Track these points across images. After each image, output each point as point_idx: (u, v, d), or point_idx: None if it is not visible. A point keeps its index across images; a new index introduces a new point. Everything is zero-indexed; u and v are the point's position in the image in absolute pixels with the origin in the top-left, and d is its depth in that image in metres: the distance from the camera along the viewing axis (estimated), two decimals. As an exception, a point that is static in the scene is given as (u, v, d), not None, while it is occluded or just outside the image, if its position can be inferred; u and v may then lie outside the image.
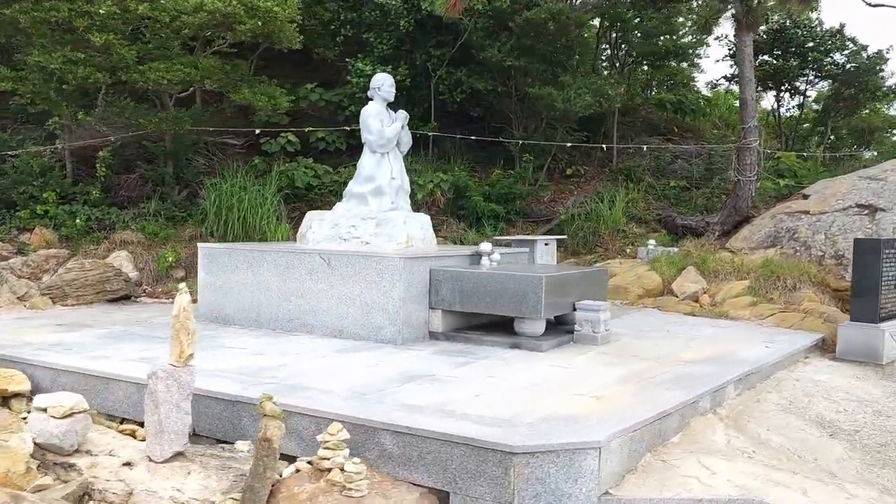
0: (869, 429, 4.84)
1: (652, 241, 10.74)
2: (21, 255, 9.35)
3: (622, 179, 13.44)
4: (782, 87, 16.00)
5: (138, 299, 9.06)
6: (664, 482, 3.72)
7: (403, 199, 7.48)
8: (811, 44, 14.91)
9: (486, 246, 6.97)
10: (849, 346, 6.60)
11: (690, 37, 16.30)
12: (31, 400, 4.61)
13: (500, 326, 6.48)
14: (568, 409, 4.16)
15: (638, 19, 15.04)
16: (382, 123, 7.25)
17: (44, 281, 8.80)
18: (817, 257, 9.20)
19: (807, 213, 10.01)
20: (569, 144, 13.03)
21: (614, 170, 13.98)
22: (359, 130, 7.43)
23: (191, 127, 10.73)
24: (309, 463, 3.72)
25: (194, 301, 7.63)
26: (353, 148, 11.75)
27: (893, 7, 13.07)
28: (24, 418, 4.42)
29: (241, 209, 10.14)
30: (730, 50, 15.42)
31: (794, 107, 16.97)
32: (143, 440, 4.05)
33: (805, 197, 10.61)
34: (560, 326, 6.58)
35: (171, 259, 9.54)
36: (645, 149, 13.85)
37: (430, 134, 12.91)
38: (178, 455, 3.84)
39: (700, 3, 14.41)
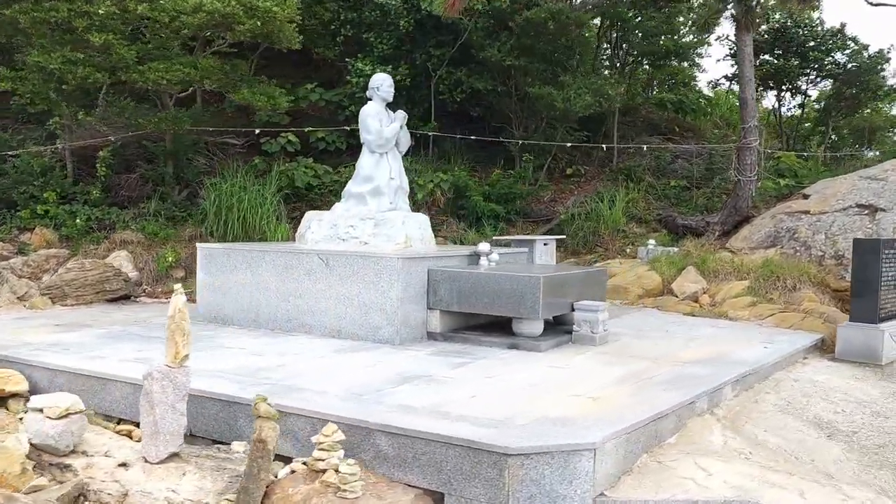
0: (867, 430, 4.83)
1: (652, 241, 10.72)
2: (21, 254, 9.37)
3: (622, 179, 13.42)
4: (783, 87, 15.97)
5: (138, 299, 9.07)
6: (660, 483, 3.71)
7: (402, 199, 7.47)
8: (812, 43, 14.88)
9: (484, 246, 6.97)
10: (848, 346, 6.58)
11: (691, 36, 16.29)
12: (28, 400, 4.61)
13: (498, 327, 6.48)
14: (564, 410, 4.15)
15: (638, 19, 15.02)
16: (381, 123, 7.25)
17: (44, 281, 8.81)
18: (817, 257, 9.18)
19: (807, 213, 9.99)
20: (569, 144, 13.02)
21: (614, 169, 13.97)
22: (359, 130, 7.43)
23: (191, 127, 10.73)
24: (304, 464, 3.72)
25: (193, 301, 7.65)
26: (354, 148, 11.74)
27: (895, 6, 13.04)
28: (22, 419, 4.43)
29: (240, 209, 10.14)
30: (730, 49, 15.41)
31: (795, 106, 16.96)
32: (140, 441, 4.05)
33: (805, 197, 10.59)
34: (559, 327, 6.57)
35: (170, 259, 9.55)
36: (645, 148, 13.84)
37: (430, 134, 12.90)
38: (174, 456, 3.84)
39: (700, 2, 14.38)
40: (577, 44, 13.45)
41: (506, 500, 3.48)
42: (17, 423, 4.45)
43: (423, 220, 7.43)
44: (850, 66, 14.93)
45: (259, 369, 5.15)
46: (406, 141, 7.52)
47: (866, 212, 9.50)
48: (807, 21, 14.97)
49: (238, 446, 4.11)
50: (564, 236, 11.47)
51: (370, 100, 7.39)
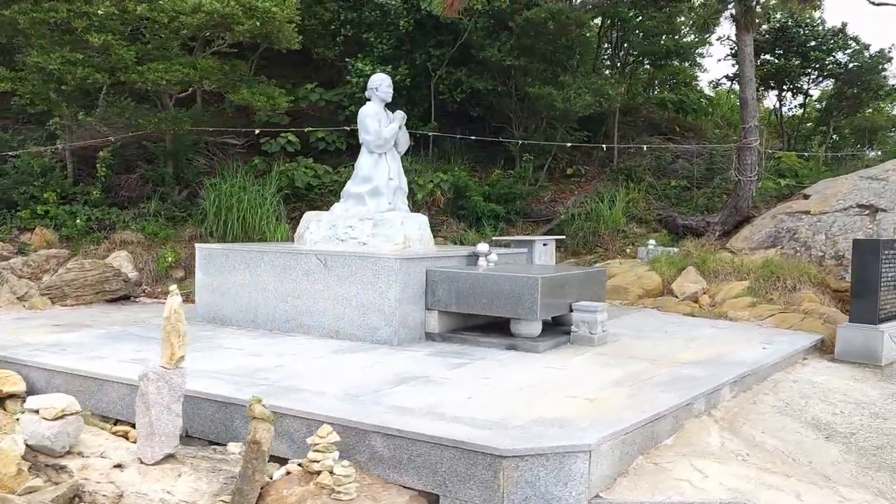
0: (865, 431, 4.81)
1: (652, 242, 10.70)
2: (22, 255, 9.38)
3: (623, 179, 13.40)
4: (784, 87, 15.94)
5: (137, 299, 9.07)
6: (656, 485, 3.70)
7: (401, 199, 7.47)
8: (813, 43, 14.84)
9: (482, 247, 6.96)
10: (847, 347, 6.57)
11: (692, 36, 16.26)
12: (26, 401, 4.62)
13: (496, 327, 6.47)
14: (560, 412, 4.14)
15: (639, 18, 15.00)
16: (380, 124, 7.24)
17: (44, 281, 8.82)
18: (818, 258, 9.16)
19: (807, 213, 9.97)
20: (569, 144, 13.00)
21: (615, 169, 13.95)
22: (358, 130, 7.43)
23: (191, 127, 10.74)
24: (299, 465, 3.71)
25: (191, 301, 7.65)
26: (354, 148, 11.73)
27: (896, 6, 13.01)
28: (18, 419, 4.42)
29: (240, 209, 10.14)
30: (731, 49, 15.37)
31: (796, 106, 16.93)
32: (136, 442, 4.04)
33: (806, 197, 10.57)
34: (558, 327, 6.56)
35: (170, 259, 9.56)
36: (645, 148, 13.82)
37: (430, 134, 12.90)
38: (169, 457, 3.84)
39: (700, 2, 14.36)
40: (577, 44, 13.44)
41: (500, 501, 3.47)
42: (14, 424, 4.45)
43: (421, 220, 7.42)
44: (851, 65, 14.90)
45: (257, 370, 5.15)
46: (405, 141, 7.52)
47: (867, 212, 9.48)
48: (808, 21, 14.94)
49: (234, 447, 4.11)
50: (564, 236, 11.46)
51: (369, 100, 7.39)
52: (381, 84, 7.33)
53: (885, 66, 14.89)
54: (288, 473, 3.72)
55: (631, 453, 3.93)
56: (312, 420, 3.98)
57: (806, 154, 14.54)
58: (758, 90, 14.08)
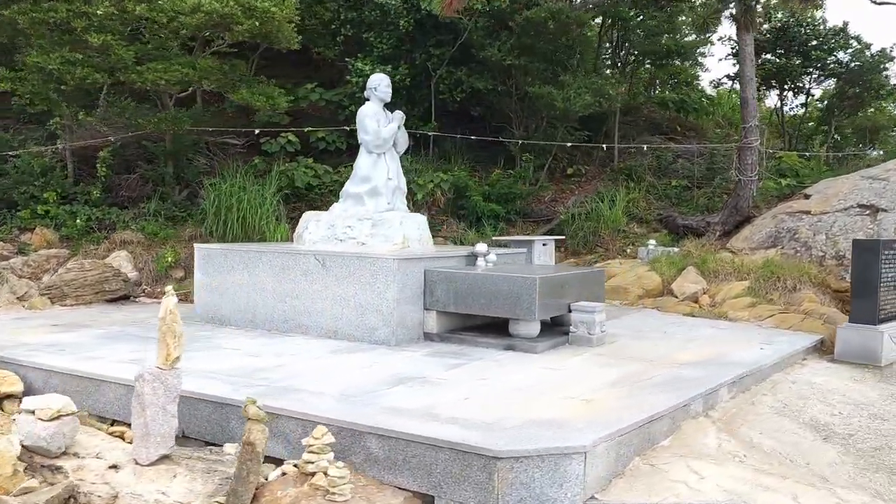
0: (864, 432, 4.80)
1: (652, 241, 10.68)
2: (22, 255, 9.39)
3: (623, 179, 13.38)
4: (786, 86, 15.91)
5: (137, 299, 9.08)
6: (651, 487, 3.69)
7: (400, 199, 7.46)
8: (814, 42, 14.80)
9: (481, 247, 6.95)
10: (847, 347, 6.54)
11: (693, 36, 16.23)
12: (22, 401, 4.62)
13: (495, 328, 6.46)
14: (556, 413, 4.13)
15: (640, 18, 14.97)
16: (379, 124, 7.24)
17: (44, 281, 8.83)
18: (818, 258, 9.14)
19: (808, 213, 9.95)
20: (569, 144, 12.98)
21: (615, 169, 13.92)
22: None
23: (191, 127, 10.74)
24: (295, 466, 3.71)
25: (191, 301, 7.65)
26: (354, 148, 11.68)
27: (898, 5, 12.97)
28: (15, 420, 4.43)
29: (240, 209, 10.13)
30: (732, 49, 15.34)
31: (797, 105, 16.88)
32: (132, 442, 4.04)
33: (807, 197, 10.55)
34: (556, 328, 6.55)
35: (170, 259, 9.56)
36: (646, 148, 13.79)
37: (430, 134, 12.88)
38: (165, 458, 3.84)
39: (701, 2, 14.33)
40: (577, 43, 13.42)
41: (495, 503, 3.46)
42: (10, 424, 4.45)
43: (420, 220, 7.42)
44: (852, 65, 14.86)
45: (255, 370, 5.15)
46: (404, 141, 7.51)
47: (868, 212, 9.45)
48: (809, 20, 14.90)
49: (230, 448, 4.10)
50: (564, 236, 11.44)
51: (368, 100, 7.38)
52: (379, 84, 7.33)
53: (887, 65, 14.86)
54: (283, 474, 3.72)
55: (627, 454, 3.92)
56: (308, 421, 3.97)
57: (807, 154, 14.51)
58: (759, 89, 14.06)
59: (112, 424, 4.71)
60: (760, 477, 3.89)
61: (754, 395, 5.32)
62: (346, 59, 12.74)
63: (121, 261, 9.38)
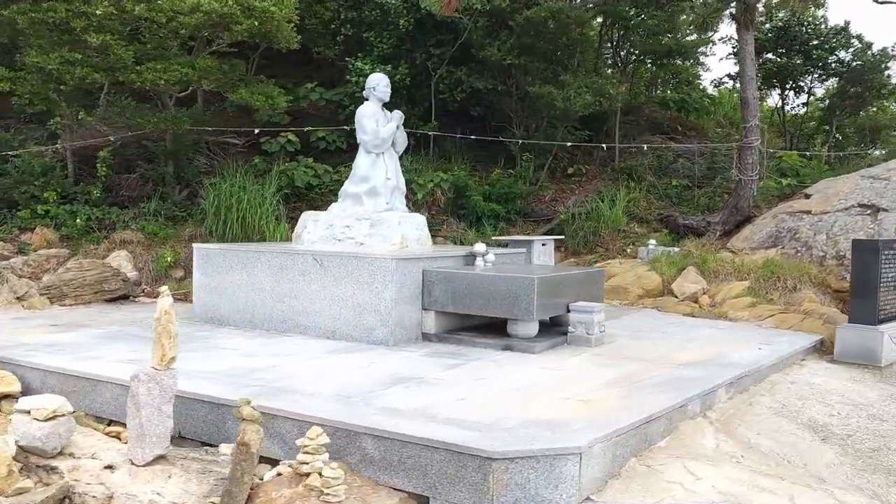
0: (862, 433, 4.78)
1: (652, 241, 10.66)
2: (22, 254, 9.39)
3: (623, 179, 13.35)
4: (787, 86, 15.86)
5: (137, 299, 9.08)
6: (647, 488, 3.68)
7: (399, 199, 7.46)
8: (815, 41, 14.76)
9: (480, 247, 6.94)
10: (847, 348, 6.52)
11: (694, 35, 16.18)
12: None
13: (493, 328, 6.45)
14: (553, 413, 4.12)
15: (640, 17, 14.94)
16: (377, 123, 7.23)
17: (44, 281, 8.83)
18: (818, 258, 9.11)
19: (808, 212, 9.92)
20: (570, 144, 12.96)
21: (616, 169, 13.90)
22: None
23: (191, 127, 10.74)
24: (290, 467, 3.70)
25: (190, 301, 7.65)
26: (354, 147, 11.56)
27: (899, 4, 12.93)
28: (11, 420, 4.42)
29: (240, 209, 10.13)
30: (733, 48, 15.30)
31: (799, 105, 16.83)
32: (127, 443, 4.04)
33: (807, 196, 10.52)
34: (555, 328, 6.54)
35: (169, 259, 9.56)
36: (646, 148, 13.76)
37: (430, 133, 12.87)
38: (160, 458, 3.83)
39: (701, 1, 14.29)
40: (577, 43, 13.40)
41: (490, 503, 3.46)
42: (7, 424, 4.45)
43: (419, 220, 7.41)
44: (854, 64, 14.81)
45: (252, 370, 5.14)
46: (403, 141, 7.51)
47: (868, 212, 9.42)
48: (810, 19, 14.86)
49: (225, 448, 4.09)
50: (563, 236, 11.42)
51: (367, 100, 7.38)
52: (378, 83, 7.33)
53: (889, 64, 14.80)
54: (279, 475, 3.71)
55: (623, 455, 3.91)
56: (304, 421, 3.96)
57: (808, 153, 14.47)
58: (760, 89, 14.02)
59: (109, 425, 4.71)
60: (757, 478, 3.88)
61: (752, 396, 5.30)
62: (347, 59, 12.74)
63: (121, 260, 9.38)
